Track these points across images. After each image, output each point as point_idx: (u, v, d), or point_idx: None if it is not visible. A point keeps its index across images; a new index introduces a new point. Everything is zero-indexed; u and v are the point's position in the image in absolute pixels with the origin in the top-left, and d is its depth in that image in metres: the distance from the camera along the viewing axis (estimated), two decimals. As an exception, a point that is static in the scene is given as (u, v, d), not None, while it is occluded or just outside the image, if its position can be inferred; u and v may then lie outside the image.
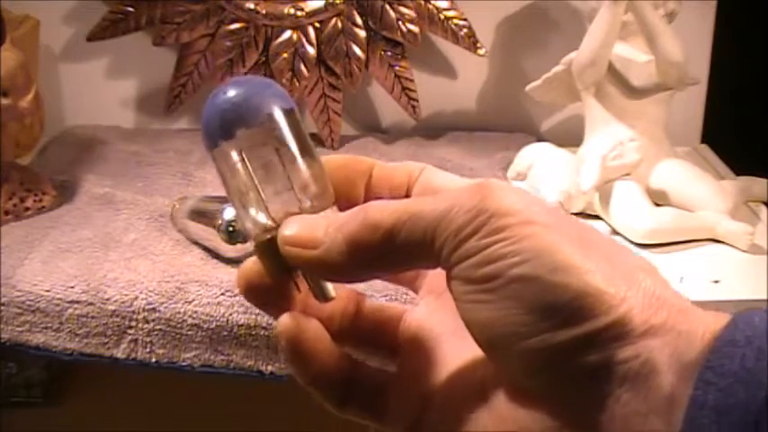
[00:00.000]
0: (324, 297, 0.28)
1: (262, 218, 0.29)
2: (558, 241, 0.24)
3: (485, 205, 0.24)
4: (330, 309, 0.29)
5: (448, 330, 0.29)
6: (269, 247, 0.28)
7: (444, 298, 0.29)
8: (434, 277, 0.30)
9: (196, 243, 0.74)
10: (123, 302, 0.67)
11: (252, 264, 0.29)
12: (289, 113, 0.29)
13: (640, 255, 0.26)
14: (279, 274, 0.28)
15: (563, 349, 0.23)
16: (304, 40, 0.94)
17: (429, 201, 0.25)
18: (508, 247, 0.24)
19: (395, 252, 0.26)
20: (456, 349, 0.28)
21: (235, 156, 0.30)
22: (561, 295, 0.23)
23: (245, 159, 0.30)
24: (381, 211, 0.26)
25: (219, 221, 0.69)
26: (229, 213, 0.69)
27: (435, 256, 0.25)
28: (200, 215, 0.73)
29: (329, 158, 0.30)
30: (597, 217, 0.85)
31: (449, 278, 0.25)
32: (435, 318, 0.30)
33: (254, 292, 0.29)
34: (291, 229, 0.27)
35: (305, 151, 0.29)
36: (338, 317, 0.30)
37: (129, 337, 0.67)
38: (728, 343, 0.22)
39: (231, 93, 0.31)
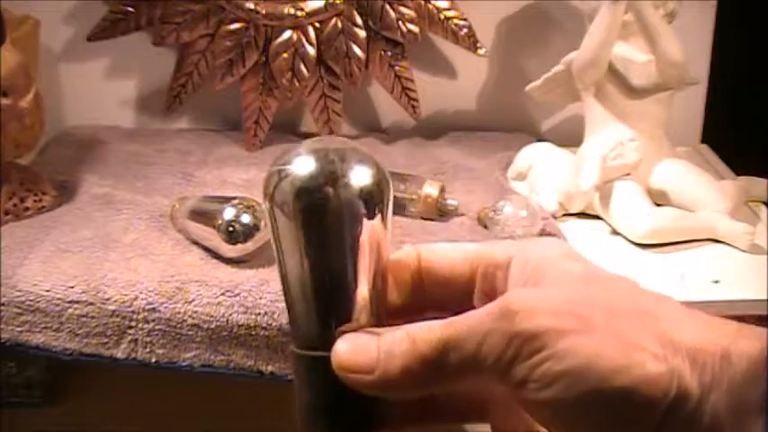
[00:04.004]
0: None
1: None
2: (596, 345, 0.26)
3: (515, 330, 0.26)
4: None
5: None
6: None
7: None
8: None
9: (196, 243, 0.74)
10: (123, 302, 0.67)
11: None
12: None
13: (650, 290, 0.28)
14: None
15: None
16: (304, 40, 0.94)
17: (464, 328, 0.27)
18: (555, 368, 0.26)
19: (446, 378, 0.28)
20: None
21: None
22: (618, 401, 0.25)
23: None
24: (427, 343, 0.28)
25: (219, 221, 0.69)
26: (229, 213, 0.69)
27: (487, 377, 0.27)
28: (200, 215, 0.73)
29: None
30: (597, 217, 0.85)
31: (514, 394, 0.27)
32: None
33: None
34: (345, 353, 0.29)
35: None
36: None
37: (129, 337, 0.67)
38: None
39: None
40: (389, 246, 0.31)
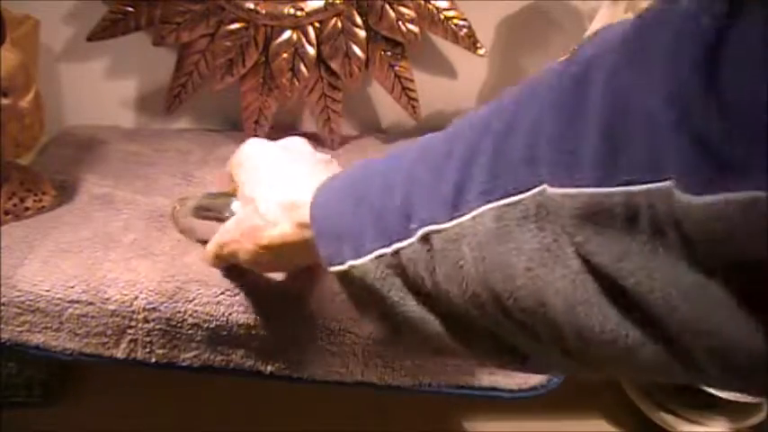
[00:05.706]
0: None
1: None
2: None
3: (220, 242, 0.65)
4: None
5: None
6: None
7: None
8: None
9: (203, 241, 0.74)
10: (123, 302, 0.67)
11: None
12: None
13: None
14: None
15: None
16: (304, 40, 0.94)
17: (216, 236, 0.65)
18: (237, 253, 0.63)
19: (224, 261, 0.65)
20: None
21: None
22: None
23: None
24: (212, 243, 0.65)
25: (227, 214, 0.69)
26: (237, 206, 0.69)
27: None
28: (206, 211, 0.73)
29: None
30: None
31: None
32: None
33: None
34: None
35: None
36: None
37: (129, 337, 0.67)
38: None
39: None
40: None
